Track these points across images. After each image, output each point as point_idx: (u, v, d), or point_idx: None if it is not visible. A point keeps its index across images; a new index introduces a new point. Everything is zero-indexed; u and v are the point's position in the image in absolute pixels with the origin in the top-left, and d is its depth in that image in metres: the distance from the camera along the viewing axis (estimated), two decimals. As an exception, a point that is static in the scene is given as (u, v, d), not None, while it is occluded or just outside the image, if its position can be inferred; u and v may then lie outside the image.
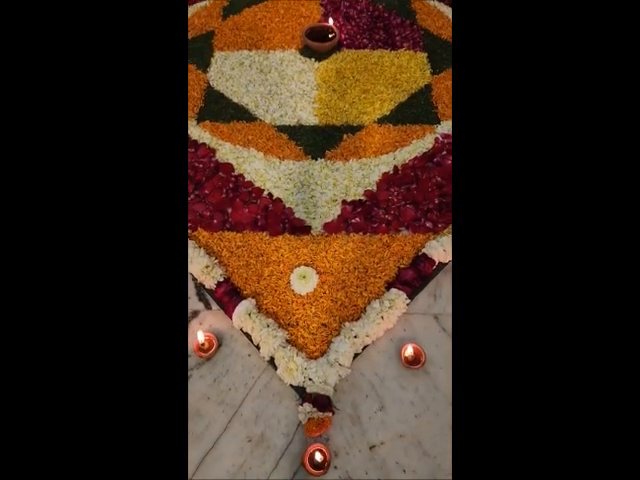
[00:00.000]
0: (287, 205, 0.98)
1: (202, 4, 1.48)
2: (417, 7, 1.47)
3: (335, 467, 0.69)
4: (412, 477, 0.68)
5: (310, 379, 0.74)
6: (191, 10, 1.46)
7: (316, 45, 1.30)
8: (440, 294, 0.87)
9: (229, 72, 1.27)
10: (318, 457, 0.67)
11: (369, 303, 0.83)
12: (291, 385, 0.75)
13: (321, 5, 1.47)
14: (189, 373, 0.78)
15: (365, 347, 0.80)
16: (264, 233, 0.94)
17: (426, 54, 1.32)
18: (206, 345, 0.79)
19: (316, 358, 0.77)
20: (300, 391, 0.75)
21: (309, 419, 0.70)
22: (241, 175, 1.04)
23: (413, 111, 1.18)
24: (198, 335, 0.79)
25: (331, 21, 1.37)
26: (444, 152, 1.08)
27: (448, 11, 1.47)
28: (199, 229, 0.94)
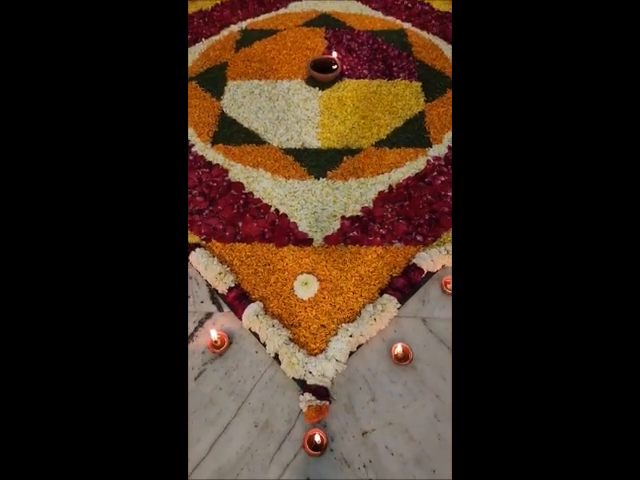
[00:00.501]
0: (292, 220, 1.09)
1: (217, 38, 1.63)
2: (413, 40, 1.61)
3: (331, 450, 0.78)
4: (399, 460, 0.77)
5: (310, 372, 0.84)
6: (207, 43, 1.61)
7: (320, 76, 1.43)
8: (428, 300, 0.97)
9: (241, 100, 1.40)
10: (317, 439, 0.77)
11: (364, 307, 0.93)
12: (293, 378, 0.85)
13: (325, 39, 1.61)
14: (204, 367, 0.88)
15: (359, 346, 0.90)
16: (271, 244, 1.05)
17: (420, 83, 1.45)
18: (219, 343, 0.89)
19: (316, 354, 0.87)
20: (301, 383, 0.84)
21: (309, 407, 0.80)
22: (251, 193, 1.15)
23: (407, 135, 1.30)
24: (212, 334, 0.89)
25: (334, 54, 1.51)
26: (435, 173, 1.20)
27: (442, 44, 1.60)
28: (213, 240, 1.06)
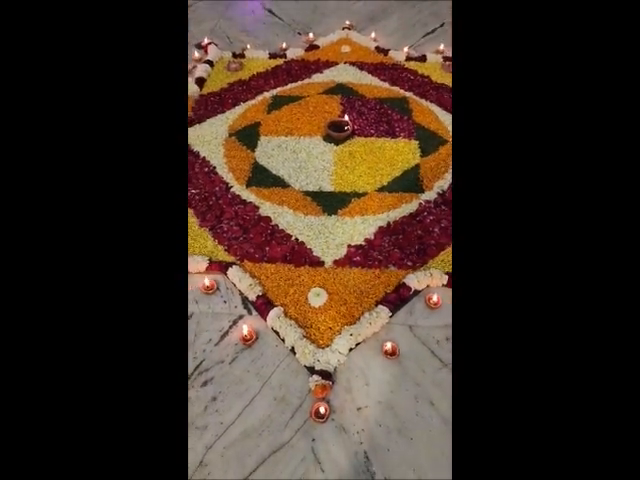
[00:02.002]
0: (308, 246, 1.37)
1: (252, 102, 1.99)
2: (413, 106, 1.94)
3: (332, 419, 1.00)
4: (385, 430, 0.99)
5: (318, 361, 1.08)
6: (244, 106, 1.97)
7: (335, 134, 1.76)
8: (414, 311, 1.21)
9: (270, 152, 1.73)
10: (322, 410, 1.00)
11: (362, 314, 1.18)
12: (305, 366, 1.09)
13: (340, 104, 1.96)
14: (236, 355, 1.13)
15: (358, 344, 1.14)
16: (291, 265, 1.32)
17: (418, 142, 1.76)
18: (248, 337, 1.14)
19: (323, 348, 1.11)
20: (311, 370, 1.08)
21: (316, 385, 1.03)
22: (276, 225, 1.44)
23: (404, 183, 1.59)
24: (243, 329, 1.14)
25: (347, 117, 1.84)
26: (425, 213, 1.47)
27: (437, 110, 1.93)
28: (245, 261, 1.33)
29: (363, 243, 1.38)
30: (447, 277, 1.26)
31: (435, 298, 1.22)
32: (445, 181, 1.59)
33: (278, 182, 1.60)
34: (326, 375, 1.05)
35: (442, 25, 2.60)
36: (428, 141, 1.76)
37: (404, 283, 1.25)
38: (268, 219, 1.46)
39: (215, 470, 0.93)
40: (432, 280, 1.26)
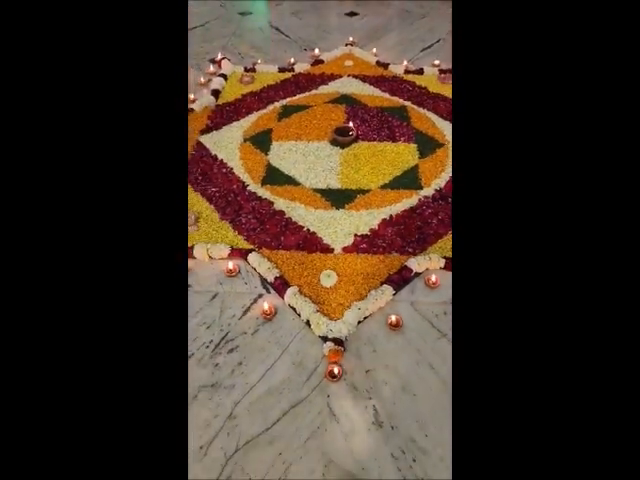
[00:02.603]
0: (319, 236, 1.52)
1: (264, 111, 2.17)
2: (411, 114, 2.12)
3: (344, 379, 1.14)
4: (390, 388, 1.12)
5: (331, 330, 1.22)
6: (257, 115, 2.14)
7: (340, 139, 1.93)
8: (415, 290, 1.36)
9: (282, 155, 1.89)
10: (335, 370, 1.13)
11: (369, 292, 1.33)
12: (319, 336, 1.23)
13: (345, 112, 2.13)
14: (257, 327, 1.26)
15: (366, 317, 1.28)
16: (304, 252, 1.47)
17: (416, 145, 1.93)
18: (268, 311, 1.28)
19: (335, 320, 1.26)
20: (324, 339, 1.22)
21: (330, 350, 1.17)
22: (290, 218, 1.59)
23: (405, 181, 1.75)
24: (264, 305, 1.29)
25: (351, 123, 2.02)
26: (423, 207, 1.63)
27: (433, 117, 2.10)
28: (263, 248, 1.48)
29: (368, 233, 1.53)
30: (444, 261, 1.41)
31: (434, 279, 1.36)
32: (442, 179, 1.75)
33: (290, 181, 1.76)
34: (338, 342, 1.19)
35: (438, 41, 2.81)
36: (426, 144, 1.93)
37: (406, 266, 1.40)
38: (282, 213, 1.62)
39: (243, 422, 1.06)
40: (431, 263, 1.41)
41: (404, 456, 1.00)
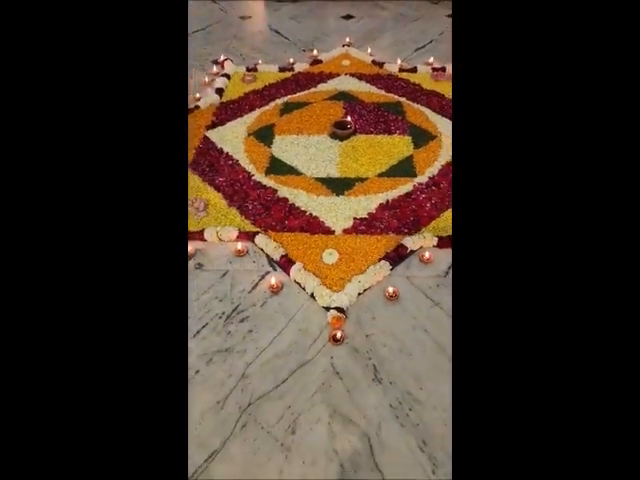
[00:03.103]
0: (321, 219, 1.63)
1: (267, 107, 2.29)
2: (406, 109, 2.24)
3: (347, 343, 1.25)
4: (389, 350, 1.23)
5: (334, 301, 1.33)
6: (259, 111, 2.26)
7: (339, 132, 2.05)
8: (410, 266, 1.47)
9: (284, 147, 2.01)
10: (338, 335, 1.24)
11: (368, 267, 1.44)
12: (323, 306, 1.34)
13: (343, 108, 2.25)
14: (265, 300, 1.37)
15: (365, 290, 1.39)
16: (307, 233, 1.58)
17: (411, 137, 2.05)
18: (275, 286, 1.39)
19: (337, 292, 1.37)
20: (327, 309, 1.33)
21: (333, 317, 1.28)
22: (293, 204, 1.71)
23: (400, 170, 1.86)
24: (272, 280, 1.40)
25: (349, 117, 2.14)
26: (418, 192, 1.74)
27: (427, 111, 2.22)
28: (269, 231, 1.60)
29: (366, 216, 1.65)
30: (437, 239, 1.52)
31: (427, 255, 1.48)
32: (435, 168, 1.87)
33: (292, 171, 1.88)
34: (340, 310, 1.30)
35: (431, 42, 2.94)
36: (420, 136, 2.05)
37: (402, 244, 1.51)
38: (286, 199, 1.73)
39: (255, 380, 1.17)
40: (425, 242, 1.52)
41: (401, 406, 1.11)
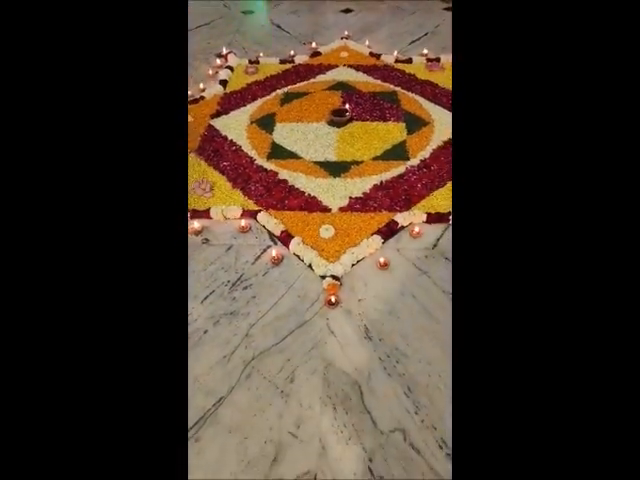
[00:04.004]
0: (318, 199, 1.75)
1: (268, 97, 2.40)
2: (401, 98, 2.35)
3: (341, 306, 1.37)
4: (379, 312, 1.35)
5: (329, 270, 1.45)
6: (262, 100, 2.38)
7: (337, 119, 2.16)
8: (400, 239, 1.59)
9: (285, 134, 2.13)
10: (332, 299, 1.36)
11: (362, 241, 1.56)
12: (319, 275, 1.46)
13: (341, 97, 2.36)
14: (267, 270, 1.49)
15: (359, 260, 1.51)
16: (305, 211, 1.70)
17: (405, 124, 2.16)
18: (276, 257, 1.52)
19: (333, 262, 1.49)
20: (323, 277, 1.45)
21: (329, 283, 1.40)
22: (292, 185, 1.83)
23: (394, 154, 1.98)
24: (272, 252, 1.52)
25: (347, 105, 2.25)
26: (410, 174, 1.86)
27: (420, 100, 2.33)
28: (270, 209, 1.72)
29: (361, 196, 1.76)
30: (426, 216, 1.64)
31: (417, 230, 1.60)
32: (426, 151, 1.98)
33: (292, 155, 2.00)
34: (336, 278, 1.42)
35: (426, 34, 3.04)
36: (413, 123, 2.16)
37: (393, 220, 1.63)
38: (286, 181, 1.85)
39: (258, 338, 1.29)
40: (415, 218, 1.64)
41: (389, 359, 1.23)
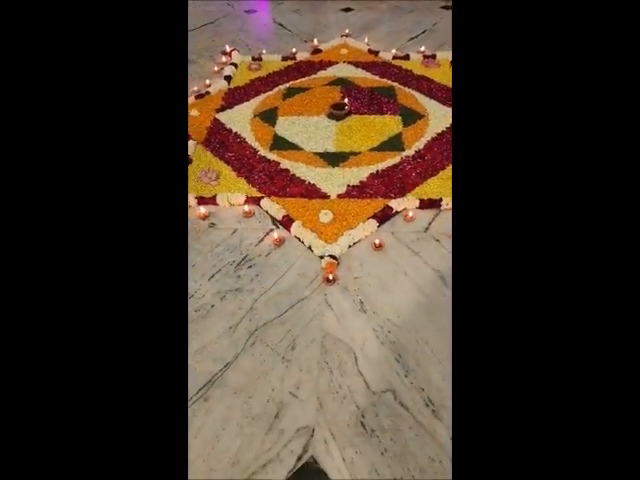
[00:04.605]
0: (318, 186, 1.86)
1: (271, 92, 2.51)
2: (398, 92, 2.45)
3: (338, 283, 1.47)
4: (373, 288, 1.45)
5: (327, 250, 1.56)
6: (264, 95, 2.49)
7: (336, 112, 2.26)
8: (395, 223, 1.69)
9: (287, 127, 2.23)
10: (330, 277, 1.47)
11: (358, 224, 1.66)
12: (318, 256, 1.57)
13: (340, 92, 2.47)
14: (269, 251, 1.60)
15: (355, 242, 1.61)
16: (306, 198, 1.80)
17: (401, 117, 2.26)
18: (278, 239, 1.62)
19: (331, 244, 1.59)
20: (321, 257, 1.55)
21: (326, 262, 1.51)
22: (294, 174, 1.93)
23: (390, 145, 2.08)
24: (275, 235, 1.63)
25: (346, 100, 2.35)
26: (405, 164, 1.96)
27: (417, 94, 2.43)
28: (272, 196, 1.82)
29: (358, 184, 1.87)
30: (419, 202, 1.74)
31: (410, 214, 1.70)
32: (421, 143, 2.08)
33: (293, 146, 2.10)
34: (333, 257, 1.53)
35: (424, 32, 3.14)
36: (409, 116, 2.27)
37: (388, 205, 1.73)
38: (287, 170, 1.96)
39: (261, 312, 1.40)
40: (408, 203, 1.74)
41: (382, 329, 1.33)
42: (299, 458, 1.07)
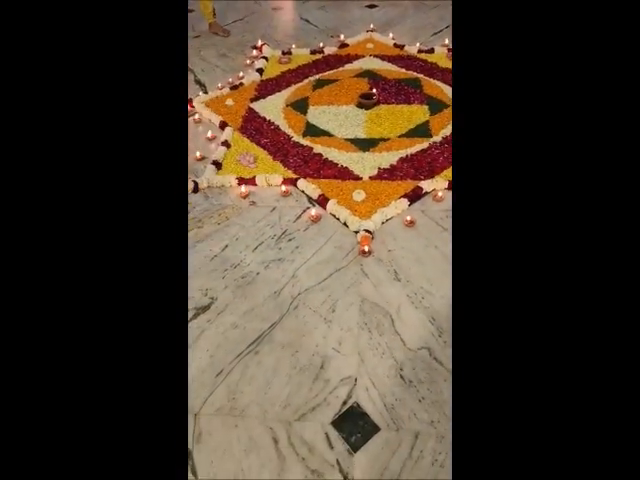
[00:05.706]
0: (350, 169, 1.97)
1: (301, 84, 2.63)
2: (424, 83, 2.55)
3: (373, 255, 1.58)
4: (406, 260, 1.56)
5: (362, 225, 1.67)
6: (295, 87, 2.61)
7: (365, 102, 2.37)
8: (425, 202, 1.79)
9: (318, 115, 2.35)
10: (366, 248, 1.58)
11: (390, 203, 1.77)
12: (353, 231, 1.67)
13: (368, 83, 2.57)
14: (307, 226, 1.72)
15: (388, 219, 1.72)
16: (339, 180, 1.92)
17: (428, 106, 2.36)
18: (315, 216, 1.74)
19: (365, 220, 1.70)
20: (356, 232, 1.66)
21: (362, 236, 1.61)
22: (327, 158, 2.05)
23: (418, 132, 2.18)
24: (312, 211, 1.74)
25: (374, 90, 2.46)
26: (433, 149, 2.06)
27: (442, 85, 2.52)
28: (307, 178, 1.94)
29: (389, 167, 1.97)
30: (447, 183, 1.84)
31: (440, 194, 1.80)
32: (447, 130, 2.18)
33: (325, 133, 2.22)
34: (368, 232, 1.64)
35: (447, 26, 3.23)
36: (435, 106, 2.36)
37: (418, 186, 1.84)
38: (320, 155, 2.07)
39: (302, 279, 1.52)
40: (437, 184, 1.84)
41: (415, 296, 1.44)
42: (344, 403, 1.18)
